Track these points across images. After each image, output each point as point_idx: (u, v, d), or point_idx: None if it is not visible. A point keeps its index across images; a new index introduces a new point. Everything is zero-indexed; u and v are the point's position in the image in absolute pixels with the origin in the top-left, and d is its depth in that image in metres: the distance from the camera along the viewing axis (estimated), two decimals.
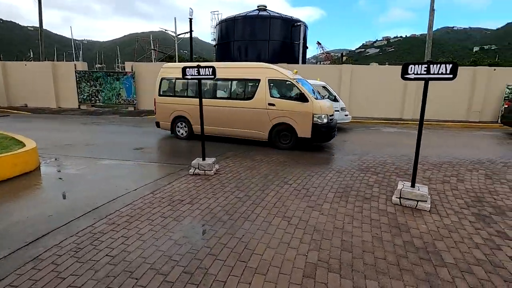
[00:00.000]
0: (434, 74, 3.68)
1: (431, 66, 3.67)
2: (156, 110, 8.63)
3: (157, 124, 8.77)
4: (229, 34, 22.32)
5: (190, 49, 14.13)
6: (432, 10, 15.90)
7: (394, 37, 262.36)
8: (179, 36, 23.57)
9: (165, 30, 23.82)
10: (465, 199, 4.23)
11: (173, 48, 30.71)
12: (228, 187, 4.58)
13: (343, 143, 8.60)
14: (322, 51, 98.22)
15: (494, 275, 2.53)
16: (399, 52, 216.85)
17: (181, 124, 8.37)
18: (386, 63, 61.64)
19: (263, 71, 7.44)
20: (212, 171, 5.25)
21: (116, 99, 16.35)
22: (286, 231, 3.24)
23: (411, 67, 3.78)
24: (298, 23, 21.68)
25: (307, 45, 24.78)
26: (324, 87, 11.07)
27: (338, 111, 10.88)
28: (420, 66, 3.73)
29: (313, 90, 7.76)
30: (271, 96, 7.30)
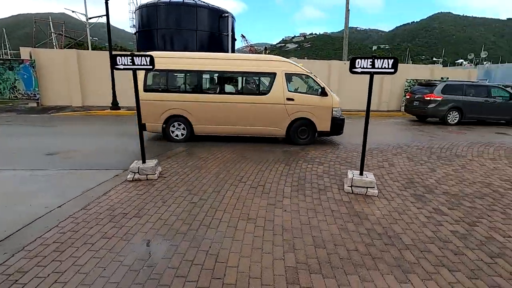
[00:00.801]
0: (378, 68, 3.91)
1: (376, 60, 3.89)
2: (141, 109, 6.88)
3: (143, 127, 6.53)
4: (152, 21, 20.43)
5: (108, 36, 12.31)
6: (347, 11, 17.53)
7: (310, 34, 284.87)
8: (90, 21, 20.40)
9: (73, 11, 20.27)
10: (401, 182, 4.73)
11: (81, 34, 26.42)
12: (178, 192, 4.10)
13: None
14: (246, 44, 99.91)
15: (446, 250, 2.82)
16: (314, 48, 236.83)
17: (178, 125, 7.13)
18: (305, 58, 66.27)
19: (279, 64, 7.01)
20: (156, 174, 4.64)
21: (11, 93, 13.30)
22: (255, 234, 3.03)
23: (358, 62, 3.95)
24: (226, 14, 21.26)
25: (235, 37, 24.61)
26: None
27: None
28: (366, 60, 3.92)
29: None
30: (289, 90, 6.98)
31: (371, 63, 3.91)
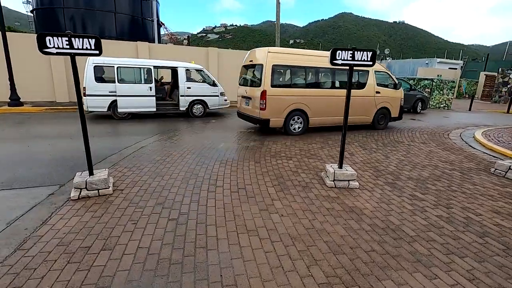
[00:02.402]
0: (358, 60, 3.88)
1: (356, 52, 3.85)
2: (267, 105, 6.88)
3: (266, 122, 7.07)
4: None
5: None
6: (278, 3, 17.77)
7: (231, 25, 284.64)
8: None
9: None
10: (369, 171, 4.94)
11: None
12: (148, 208, 3.35)
13: (236, 129, 8.37)
14: (166, 32, 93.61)
15: (444, 236, 2.97)
16: (236, 40, 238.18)
17: (297, 119, 7.52)
18: (230, 48, 65.91)
19: None
20: (110, 188, 3.72)
21: None
22: (265, 249, 2.64)
23: (339, 53, 3.84)
24: None
25: (160, 23, 22.51)
26: (200, 70, 10.33)
27: (217, 96, 10.52)
28: (346, 52, 3.84)
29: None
30: (377, 85, 8.29)
31: (351, 55, 3.85)
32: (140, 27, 19.42)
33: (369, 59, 3.89)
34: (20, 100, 10.48)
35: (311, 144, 6.71)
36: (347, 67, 3.92)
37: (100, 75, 9.04)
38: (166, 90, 10.66)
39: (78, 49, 3.33)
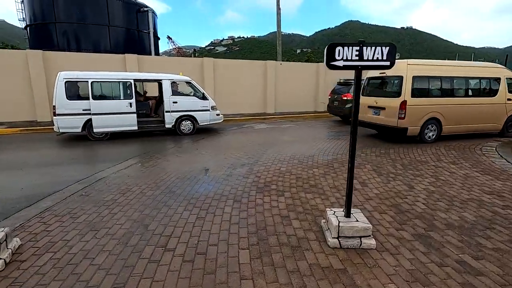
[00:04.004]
0: (368, 60, 2.59)
1: (365, 49, 2.57)
2: (406, 114, 7.15)
3: (403, 131, 7.33)
4: (47, 13, 16.39)
5: None
6: (278, 9, 16.78)
7: (238, 37, 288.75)
8: None
9: None
10: (389, 213, 3.57)
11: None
12: None
13: (225, 150, 7.13)
14: (174, 46, 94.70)
15: None
16: (243, 51, 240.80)
17: (432, 127, 7.65)
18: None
19: (501, 70, 8.22)
20: (4, 256, 2.50)
21: None
22: None
23: (339, 51, 2.57)
24: (145, 9, 18.52)
25: (158, 36, 21.85)
26: (189, 82, 9.23)
27: (208, 110, 9.36)
28: (350, 48, 2.56)
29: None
30: (508, 92, 8.18)
31: (357, 53, 2.57)
32: (136, 40, 18.73)
33: (385, 58, 2.60)
34: None
35: (311, 169, 5.38)
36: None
37: (75, 91, 8.03)
38: (151, 106, 9.60)
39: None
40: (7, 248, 2.67)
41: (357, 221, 2.87)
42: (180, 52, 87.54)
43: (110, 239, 2.96)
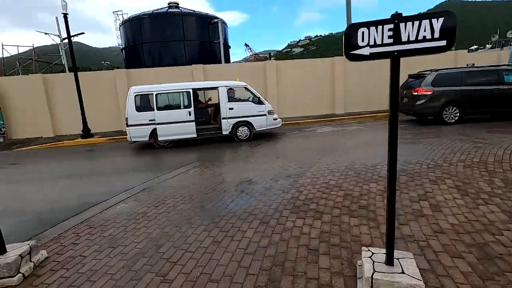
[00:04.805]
0: (409, 42, 1.76)
1: (402, 26, 1.74)
2: None
3: None
4: (136, 36, 18.99)
5: (70, 54, 10.75)
6: (348, 4, 15.32)
7: (315, 36, 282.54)
8: (65, 41, 19.00)
9: (46, 33, 18.88)
10: (468, 258, 2.47)
11: (84, 59, 24.99)
12: None
13: (276, 157, 6.64)
14: (251, 53, 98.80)
15: None
16: (321, 50, 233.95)
17: None
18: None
19: None
20: (16, 276, 2.61)
21: None
22: None
23: (363, 33, 1.81)
24: (215, 20, 19.56)
25: (229, 44, 22.82)
26: (245, 87, 9.07)
27: (264, 115, 9.02)
28: (380, 28, 1.78)
29: None
30: None
31: (392, 33, 1.76)
32: (208, 50, 19.91)
33: (437, 36, 1.70)
34: (91, 132, 11.38)
35: (368, 182, 4.40)
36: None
37: (143, 103, 8.79)
38: (210, 113, 9.82)
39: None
40: (30, 261, 2.80)
41: (403, 273, 2.01)
42: (256, 57, 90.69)
43: (120, 260, 2.85)
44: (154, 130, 8.62)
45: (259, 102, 9.00)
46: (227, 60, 21.48)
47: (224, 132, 8.94)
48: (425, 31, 1.72)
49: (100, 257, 2.93)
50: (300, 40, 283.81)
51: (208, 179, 5.39)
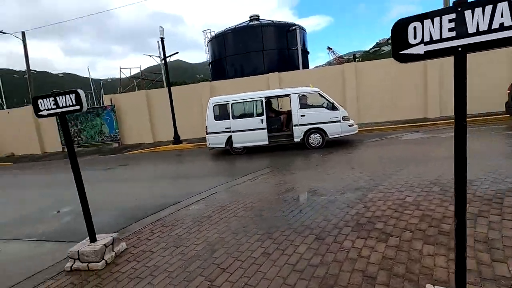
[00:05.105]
0: (478, 33, 1.39)
1: (468, 13, 1.39)
2: None
3: None
4: (221, 50, 20.77)
5: (166, 72, 12.50)
6: None
7: None
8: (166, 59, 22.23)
9: (150, 55, 22.81)
10: None
11: (173, 77, 29.40)
12: None
13: (347, 167, 6.20)
14: (334, 56, 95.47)
15: None
16: None
17: None
18: None
19: None
20: (101, 262, 3.13)
21: (99, 136, 15.01)
22: None
23: (415, 29, 1.53)
24: (293, 27, 19.69)
25: (308, 50, 22.60)
26: (318, 93, 8.80)
27: (338, 121, 8.53)
28: (437, 20, 1.47)
29: None
30: None
31: (454, 25, 1.42)
32: (287, 57, 20.16)
33: None
34: (180, 138, 12.91)
35: (446, 196, 3.62)
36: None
37: (220, 113, 9.48)
38: (282, 120, 9.84)
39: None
40: (112, 251, 3.32)
41: None
42: (340, 60, 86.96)
43: (179, 260, 3.10)
44: (230, 137, 9.17)
45: (333, 108, 8.57)
46: (306, 65, 21.30)
47: (295, 140, 8.84)
48: (502, 16, 1.32)
49: (164, 254, 3.26)
50: (389, 38, 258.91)
51: (272, 187, 5.40)
